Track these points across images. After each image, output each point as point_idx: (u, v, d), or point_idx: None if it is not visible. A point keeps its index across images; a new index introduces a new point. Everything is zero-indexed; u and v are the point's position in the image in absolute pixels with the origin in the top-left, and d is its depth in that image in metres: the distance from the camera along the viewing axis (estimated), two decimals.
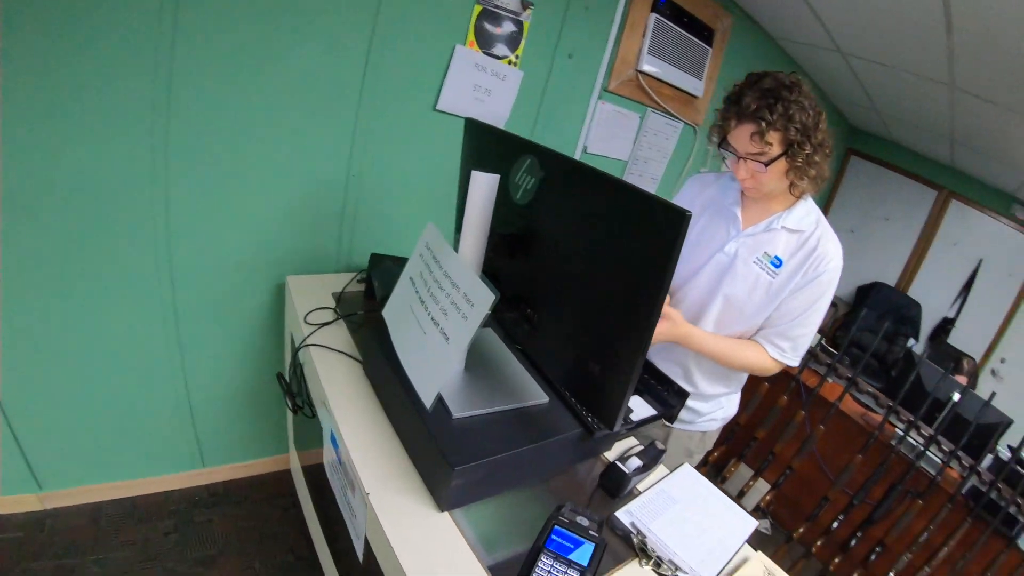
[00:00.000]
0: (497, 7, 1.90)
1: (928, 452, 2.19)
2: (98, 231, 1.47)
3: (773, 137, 1.18)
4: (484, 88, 1.97)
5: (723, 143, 1.27)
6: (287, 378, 1.51)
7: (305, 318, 1.48)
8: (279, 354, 1.92)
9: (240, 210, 1.67)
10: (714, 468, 2.81)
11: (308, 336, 1.39)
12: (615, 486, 1.13)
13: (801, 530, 2.37)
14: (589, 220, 0.91)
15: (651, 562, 0.99)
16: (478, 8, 1.86)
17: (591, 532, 0.93)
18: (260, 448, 2.11)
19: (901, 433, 2.27)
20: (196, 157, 1.53)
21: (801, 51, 3.14)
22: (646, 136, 2.66)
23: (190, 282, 1.67)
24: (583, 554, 0.90)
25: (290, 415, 1.94)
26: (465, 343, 0.90)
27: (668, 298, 1.42)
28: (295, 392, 1.49)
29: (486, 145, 1.25)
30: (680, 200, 1.52)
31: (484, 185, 1.03)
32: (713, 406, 1.56)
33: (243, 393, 1.95)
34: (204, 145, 1.52)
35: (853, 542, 2.27)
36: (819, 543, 2.34)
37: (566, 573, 0.86)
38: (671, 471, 1.27)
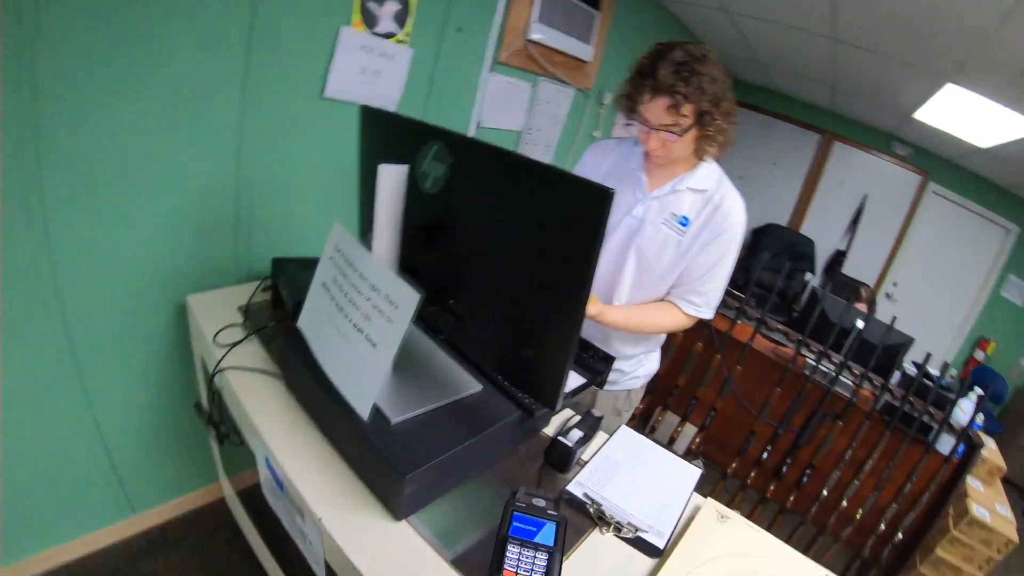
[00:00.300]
0: None
1: (840, 377, 2.37)
2: None
3: (687, 109, 1.20)
4: (372, 70, 1.88)
5: (630, 115, 1.29)
6: (206, 407, 1.41)
7: (215, 339, 1.37)
8: (193, 382, 1.78)
9: (126, 230, 1.51)
10: (641, 419, 2.91)
11: (221, 359, 1.29)
12: (562, 461, 1.13)
13: (734, 465, 2.52)
14: (507, 204, 0.89)
15: (611, 528, 1.01)
16: None
17: (549, 512, 0.93)
18: (189, 482, 1.98)
19: (813, 363, 2.44)
20: (71, 177, 1.35)
21: (686, 11, 3.23)
22: (539, 105, 2.66)
23: (84, 318, 1.50)
24: (547, 534, 0.89)
25: (215, 443, 1.81)
26: (394, 348, 0.86)
27: None
28: (217, 420, 1.39)
29: (386, 133, 1.19)
30: (582, 169, 1.53)
31: (393, 178, 0.98)
32: (635, 364, 1.61)
33: (161, 429, 1.80)
34: (78, 163, 1.35)
35: (784, 468, 2.44)
36: (752, 474, 2.49)
37: (535, 557, 0.85)
38: (610, 435, 1.30)
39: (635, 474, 1.18)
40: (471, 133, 2.35)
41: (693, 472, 1.25)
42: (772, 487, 2.45)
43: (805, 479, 2.40)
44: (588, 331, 1.50)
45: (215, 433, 1.36)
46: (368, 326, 0.91)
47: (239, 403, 1.18)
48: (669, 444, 2.63)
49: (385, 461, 0.92)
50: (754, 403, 2.57)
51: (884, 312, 3.76)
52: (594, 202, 0.73)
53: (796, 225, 4.97)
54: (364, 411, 0.90)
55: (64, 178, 1.34)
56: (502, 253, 0.92)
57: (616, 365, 1.56)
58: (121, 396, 1.67)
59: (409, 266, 1.05)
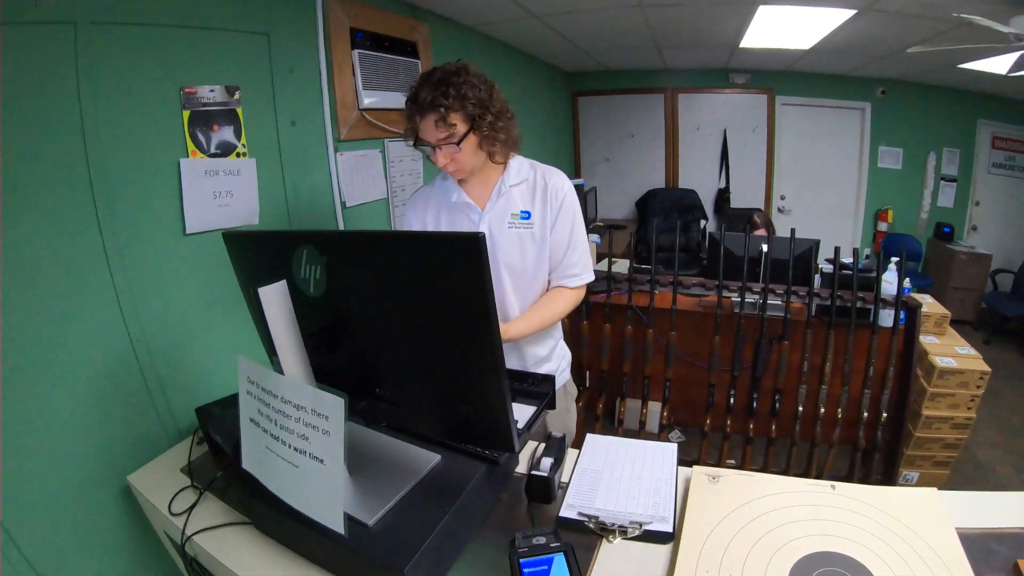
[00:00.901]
0: (205, 105, 1.78)
1: (768, 302, 2.50)
2: None
3: (455, 118, 1.30)
4: (224, 192, 1.84)
5: (417, 141, 1.38)
6: None
7: (170, 510, 1.30)
8: (165, 561, 1.66)
9: (37, 431, 1.39)
10: (607, 416, 2.94)
11: (184, 528, 1.22)
12: (544, 493, 1.14)
13: (708, 422, 2.60)
14: (391, 281, 0.90)
15: (616, 534, 1.02)
16: (187, 113, 1.72)
17: (552, 545, 0.94)
18: None
19: (738, 300, 2.57)
20: None
21: (501, 29, 3.38)
22: (394, 165, 2.70)
23: (29, 532, 1.37)
24: (560, 567, 0.90)
25: None
26: (341, 456, 0.86)
27: None
28: None
29: (255, 252, 1.17)
30: (411, 224, 1.60)
31: (275, 297, 0.96)
32: (555, 359, 1.67)
33: None
34: None
35: (754, 404, 2.54)
36: (729, 422, 2.58)
37: None
38: (580, 449, 1.31)
39: (617, 474, 1.20)
40: (338, 216, 2.34)
41: (669, 449, 1.28)
42: (751, 426, 2.55)
43: (777, 405, 2.51)
44: (509, 360, 1.53)
45: None
46: (308, 445, 0.90)
47: (219, 563, 1.13)
48: (642, 429, 2.69)
49: (379, 564, 0.89)
50: (701, 358, 2.67)
51: (783, 226, 4.04)
52: (468, 250, 0.75)
53: (674, 182, 5.25)
54: (338, 526, 0.88)
55: None
56: (404, 328, 0.93)
57: (544, 369, 1.62)
58: None
59: (326, 371, 1.04)
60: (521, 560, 0.91)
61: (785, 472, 2.47)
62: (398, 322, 0.93)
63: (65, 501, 1.45)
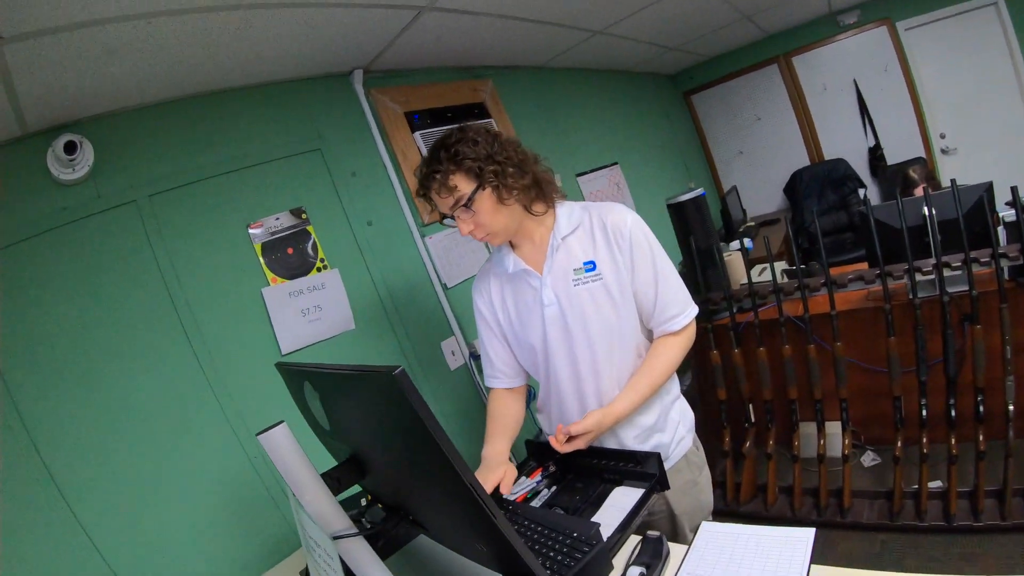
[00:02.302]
0: (275, 233, 1.89)
1: (945, 278, 1.99)
2: None
3: (455, 180, 1.20)
4: (313, 307, 1.91)
5: (443, 218, 1.26)
6: None
7: None
8: None
9: (175, 547, 1.55)
10: (783, 448, 2.48)
11: None
12: None
13: (899, 443, 2.10)
14: (358, 417, 0.80)
15: None
16: (258, 246, 1.85)
17: None
18: None
19: (908, 284, 2.08)
20: (107, 514, 1.46)
21: (573, 57, 3.24)
22: None
23: None
24: None
25: None
26: None
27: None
28: None
29: (292, 383, 1.15)
30: (479, 308, 1.46)
31: (280, 440, 0.91)
32: (669, 428, 1.41)
33: None
34: (105, 499, 1.47)
35: (952, 412, 2.01)
36: (924, 439, 2.06)
37: None
38: (691, 539, 1.08)
39: None
40: (441, 300, 2.31)
41: (803, 540, 0.98)
42: (953, 439, 2.01)
43: (981, 408, 1.96)
44: (604, 440, 1.36)
45: None
46: None
47: None
48: (822, 461, 2.25)
49: None
50: (879, 362, 2.19)
51: (954, 170, 3.29)
52: (389, 386, 0.63)
53: (818, 156, 4.60)
54: None
55: (98, 516, 1.45)
56: (392, 464, 0.82)
57: (655, 441, 1.37)
58: None
59: (372, 492, 0.98)
60: None
61: (1003, 493, 1.95)
62: (383, 458, 0.83)
63: None
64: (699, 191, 2.39)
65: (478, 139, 1.21)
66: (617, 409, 1.26)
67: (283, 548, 1.71)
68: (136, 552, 1.49)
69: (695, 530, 1.09)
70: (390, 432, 0.75)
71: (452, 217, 1.25)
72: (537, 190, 1.28)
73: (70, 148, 1.46)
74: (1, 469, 1.34)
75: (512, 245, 1.36)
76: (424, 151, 2.33)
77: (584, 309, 1.28)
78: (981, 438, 1.96)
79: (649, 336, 1.36)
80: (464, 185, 1.20)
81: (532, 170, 1.27)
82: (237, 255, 1.81)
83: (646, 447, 1.35)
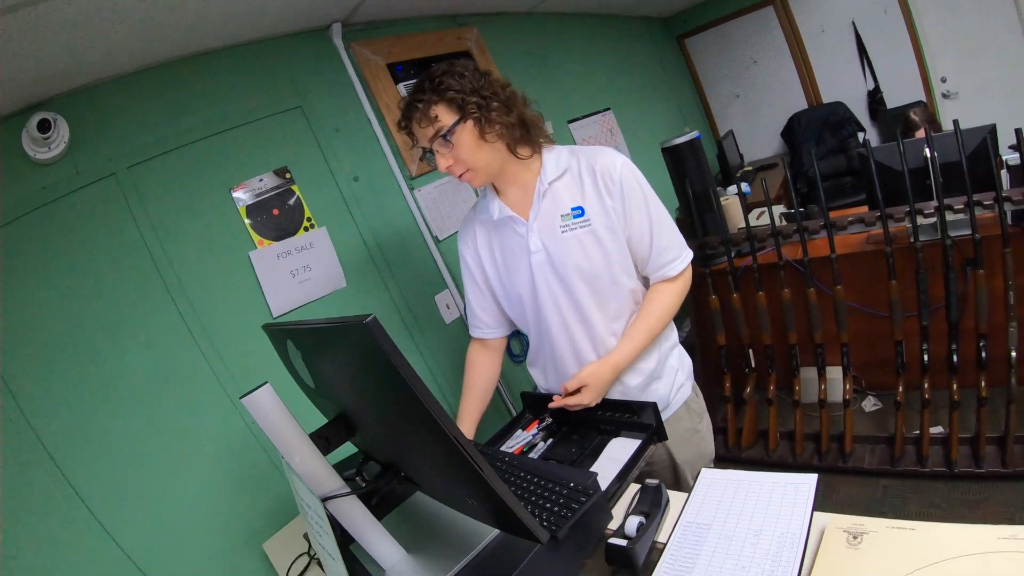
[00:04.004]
0: (260, 195, 1.83)
1: (947, 222, 1.95)
2: None
3: (436, 111, 1.16)
4: (302, 267, 1.87)
5: (424, 154, 1.24)
6: None
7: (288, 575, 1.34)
8: None
9: (180, 514, 1.57)
10: (785, 394, 2.47)
11: None
12: (627, 564, 0.91)
13: (900, 388, 2.09)
14: (341, 370, 0.77)
15: None
16: (243, 209, 1.80)
17: None
18: None
19: (909, 227, 2.03)
20: (106, 491, 1.47)
21: (555, 2, 3.12)
22: None
23: None
24: None
25: None
26: (338, 552, 0.82)
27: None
28: None
29: (277, 344, 1.11)
30: (464, 259, 1.43)
31: (264, 402, 0.88)
32: (667, 374, 1.39)
33: None
34: (105, 474, 1.47)
35: (955, 358, 1.99)
36: (926, 385, 2.04)
37: None
38: (691, 484, 1.06)
39: (730, 530, 0.92)
40: (434, 253, 2.27)
41: (804, 486, 0.95)
42: (955, 385, 1.99)
43: (983, 353, 1.93)
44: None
45: None
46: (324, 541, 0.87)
47: None
48: (823, 405, 2.24)
49: None
50: (880, 306, 2.16)
51: (956, 112, 3.19)
52: (361, 337, 0.59)
53: (816, 99, 4.48)
54: None
55: (99, 491, 1.45)
56: (379, 418, 0.79)
57: (654, 388, 1.36)
58: None
59: (364, 450, 0.98)
60: None
61: (1004, 440, 1.95)
62: (368, 412, 0.80)
63: (215, 567, 1.60)
64: (694, 134, 2.32)
65: (465, 73, 1.17)
66: (615, 358, 1.25)
67: (289, 511, 1.71)
68: (141, 526, 1.50)
69: (697, 478, 1.08)
70: (370, 385, 0.72)
71: (432, 152, 1.21)
72: (523, 131, 1.23)
73: (44, 127, 1.42)
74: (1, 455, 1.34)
75: (497, 191, 1.31)
76: None
77: (572, 256, 1.24)
78: (983, 384, 1.94)
79: (645, 283, 1.33)
80: (445, 116, 1.16)
81: (519, 109, 1.22)
82: (222, 220, 1.77)
83: (646, 394, 1.34)
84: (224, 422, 1.68)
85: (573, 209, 1.23)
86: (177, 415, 1.61)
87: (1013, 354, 1.88)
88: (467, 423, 1.40)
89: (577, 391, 1.22)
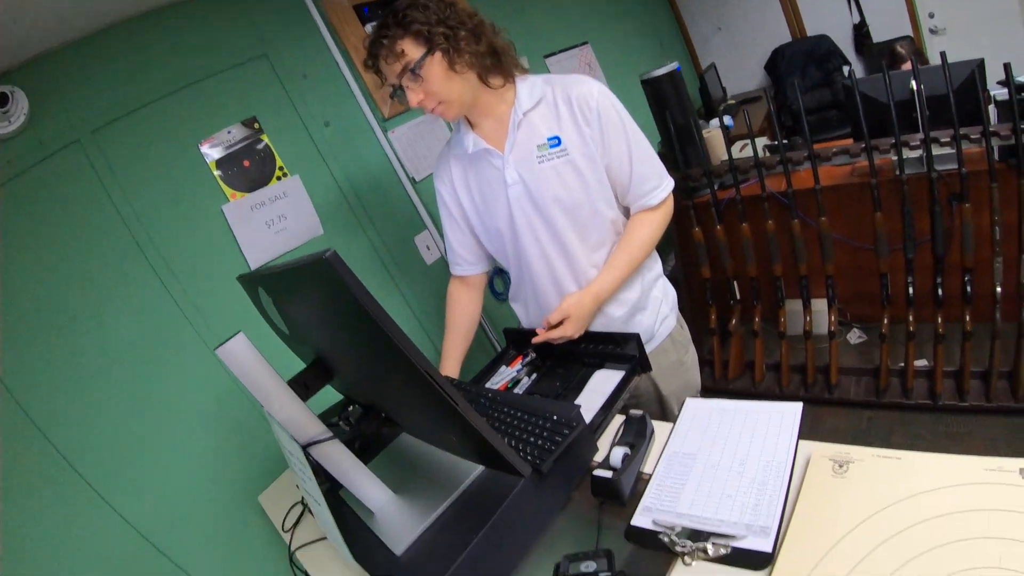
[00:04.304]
0: (229, 147, 1.78)
1: (934, 154, 1.91)
2: None
3: (402, 45, 1.11)
4: (277, 217, 1.83)
5: (394, 92, 1.19)
6: None
7: (283, 527, 1.34)
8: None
9: (176, 472, 1.59)
10: (770, 326, 2.48)
11: (290, 544, 1.24)
12: (613, 495, 0.92)
13: (886, 319, 2.10)
14: (310, 310, 0.74)
15: (694, 556, 0.77)
16: (212, 163, 1.74)
17: (601, 574, 0.75)
18: None
19: (895, 159, 2.00)
20: (103, 460, 1.48)
21: None
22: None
23: (189, 553, 1.58)
24: None
25: None
26: (322, 498, 0.82)
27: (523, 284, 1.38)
28: None
29: (251, 293, 1.08)
30: (441, 195, 1.40)
31: (238, 351, 0.86)
32: (651, 305, 1.38)
33: None
34: (99, 446, 1.49)
35: (940, 292, 1.99)
36: (911, 318, 2.05)
37: None
38: (677, 415, 1.06)
39: (715, 459, 0.92)
40: (411, 195, 2.24)
41: (790, 414, 0.94)
42: (940, 318, 2.00)
43: (969, 287, 1.94)
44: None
45: None
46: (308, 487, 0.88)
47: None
48: (808, 337, 2.26)
49: None
50: (866, 239, 2.14)
51: (940, 48, 3.13)
52: (323, 272, 0.56)
53: (800, 32, 4.35)
54: (349, 561, 0.85)
55: (95, 463, 1.47)
56: (352, 358, 0.77)
57: (638, 320, 1.35)
58: None
59: (344, 393, 0.97)
60: None
61: (988, 375, 1.97)
62: (341, 353, 0.78)
63: (215, 522, 1.64)
64: (674, 65, 2.26)
65: (429, 4, 1.11)
66: (596, 288, 1.24)
67: (281, 463, 1.70)
68: (140, 494, 1.52)
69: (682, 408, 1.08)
70: (339, 323, 0.70)
71: (402, 89, 1.16)
72: (494, 60, 1.18)
73: (1, 100, 1.38)
74: None
75: (471, 124, 1.27)
76: None
77: (551, 187, 1.21)
78: (968, 319, 1.95)
79: (626, 213, 1.30)
80: (412, 50, 1.11)
81: (488, 38, 1.17)
82: (192, 176, 1.73)
83: (629, 326, 1.33)
84: (210, 380, 1.67)
85: (549, 139, 1.20)
86: (164, 379, 1.61)
87: (999, 290, 1.88)
88: (451, 360, 1.39)
89: (559, 324, 1.21)
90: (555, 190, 1.21)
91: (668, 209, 1.29)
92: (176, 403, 1.62)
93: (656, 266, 1.41)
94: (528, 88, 1.22)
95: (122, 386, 1.54)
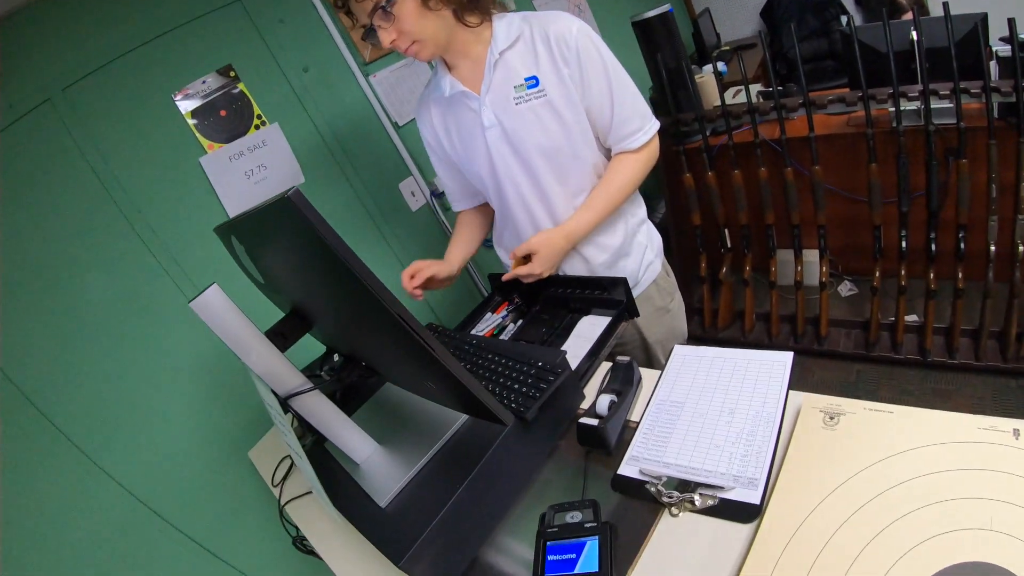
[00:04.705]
0: (205, 96, 1.71)
1: (932, 107, 1.86)
2: None
3: None
4: (256, 167, 1.79)
5: (366, 33, 1.11)
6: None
7: (272, 482, 1.35)
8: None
9: (166, 430, 1.60)
10: (761, 276, 2.43)
11: (279, 498, 1.26)
12: (599, 444, 0.91)
13: (877, 274, 2.08)
14: (281, 255, 0.71)
15: (681, 507, 0.77)
16: (188, 114, 1.68)
17: (587, 525, 0.75)
18: None
19: (892, 111, 1.95)
20: (93, 425, 1.48)
21: None
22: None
23: (184, 512, 1.60)
24: (590, 557, 0.72)
25: None
26: (301, 451, 0.82)
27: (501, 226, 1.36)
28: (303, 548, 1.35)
29: (226, 243, 1.05)
30: (426, 139, 1.36)
31: (213, 303, 0.82)
32: (636, 251, 1.35)
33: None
34: (89, 412, 1.48)
35: (933, 248, 1.97)
36: (903, 272, 2.04)
37: None
38: (664, 363, 1.04)
39: (703, 408, 0.90)
40: (395, 140, 2.18)
41: (780, 363, 0.92)
42: (932, 274, 1.98)
43: (963, 245, 1.91)
44: (570, 264, 1.31)
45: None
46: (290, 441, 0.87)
47: (303, 529, 1.17)
48: (799, 287, 2.24)
49: (386, 553, 0.78)
50: (859, 190, 2.11)
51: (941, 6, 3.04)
52: (286, 213, 0.53)
53: None
54: (332, 514, 0.84)
55: (86, 429, 1.47)
56: (325, 303, 0.75)
57: (622, 265, 1.32)
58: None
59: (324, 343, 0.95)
60: (548, 544, 0.74)
61: (979, 334, 1.97)
62: (315, 300, 0.75)
63: (207, 480, 1.65)
64: (665, 6, 2.18)
65: None
66: (569, 227, 1.20)
67: (270, 419, 1.73)
68: (132, 457, 1.53)
69: (669, 357, 1.06)
70: (308, 266, 0.67)
71: (374, 28, 1.09)
72: None
73: None
74: None
75: (448, 66, 1.21)
76: None
77: (529, 129, 1.16)
78: (960, 276, 1.93)
79: (608, 156, 1.26)
80: None
81: None
82: (167, 129, 1.67)
83: (613, 271, 1.30)
84: (195, 337, 1.64)
85: (527, 79, 1.14)
86: (148, 338, 1.59)
87: (992, 248, 1.86)
88: (453, 255, 1.38)
89: (528, 260, 1.18)
90: (533, 133, 1.17)
91: (652, 152, 1.24)
92: (161, 362, 1.60)
93: (640, 211, 1.37)
94: (505, 26, 1.16)
95: (107, 348, 1.52)
